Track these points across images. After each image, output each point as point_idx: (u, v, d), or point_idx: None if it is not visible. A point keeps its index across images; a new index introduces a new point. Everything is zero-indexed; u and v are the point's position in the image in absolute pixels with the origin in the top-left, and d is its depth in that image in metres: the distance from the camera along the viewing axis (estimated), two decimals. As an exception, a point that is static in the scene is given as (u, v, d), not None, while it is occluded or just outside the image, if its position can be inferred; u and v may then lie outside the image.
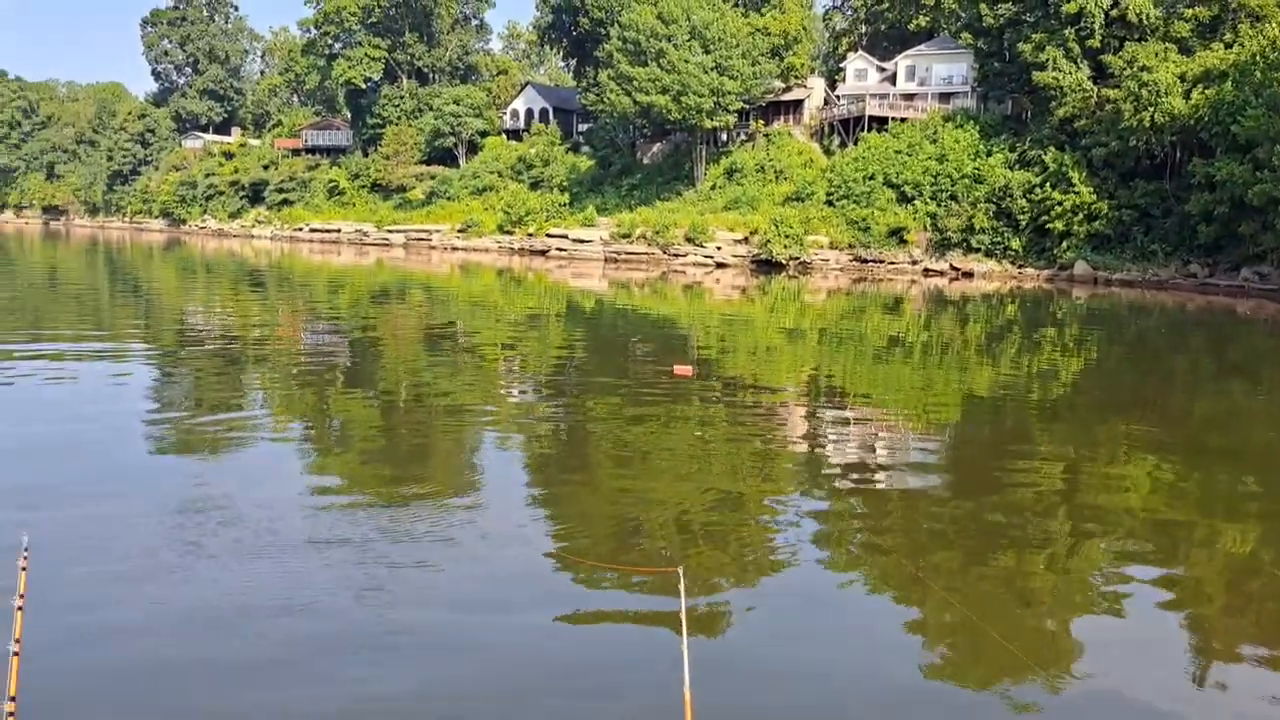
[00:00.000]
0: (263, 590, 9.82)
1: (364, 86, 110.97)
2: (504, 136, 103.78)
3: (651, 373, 24.87)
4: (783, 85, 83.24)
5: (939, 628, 9.63)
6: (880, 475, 15.33)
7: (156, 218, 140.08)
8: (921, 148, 72.12)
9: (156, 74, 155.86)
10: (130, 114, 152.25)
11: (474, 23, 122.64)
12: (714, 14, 76.77)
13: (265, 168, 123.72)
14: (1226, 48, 61.62)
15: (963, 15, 75.22)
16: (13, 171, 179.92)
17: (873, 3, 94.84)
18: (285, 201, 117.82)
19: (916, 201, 70.47)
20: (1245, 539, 12.56)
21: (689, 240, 74.25)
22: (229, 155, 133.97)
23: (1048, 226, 64.76)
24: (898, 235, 69.76)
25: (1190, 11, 64.73)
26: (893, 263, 69.06)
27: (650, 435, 17.18)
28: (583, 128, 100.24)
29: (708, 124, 77.68)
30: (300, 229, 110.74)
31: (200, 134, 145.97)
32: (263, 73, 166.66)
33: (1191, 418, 21.90)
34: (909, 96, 79.29)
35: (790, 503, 13.81)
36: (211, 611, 9.36)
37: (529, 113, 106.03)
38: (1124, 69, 63.20)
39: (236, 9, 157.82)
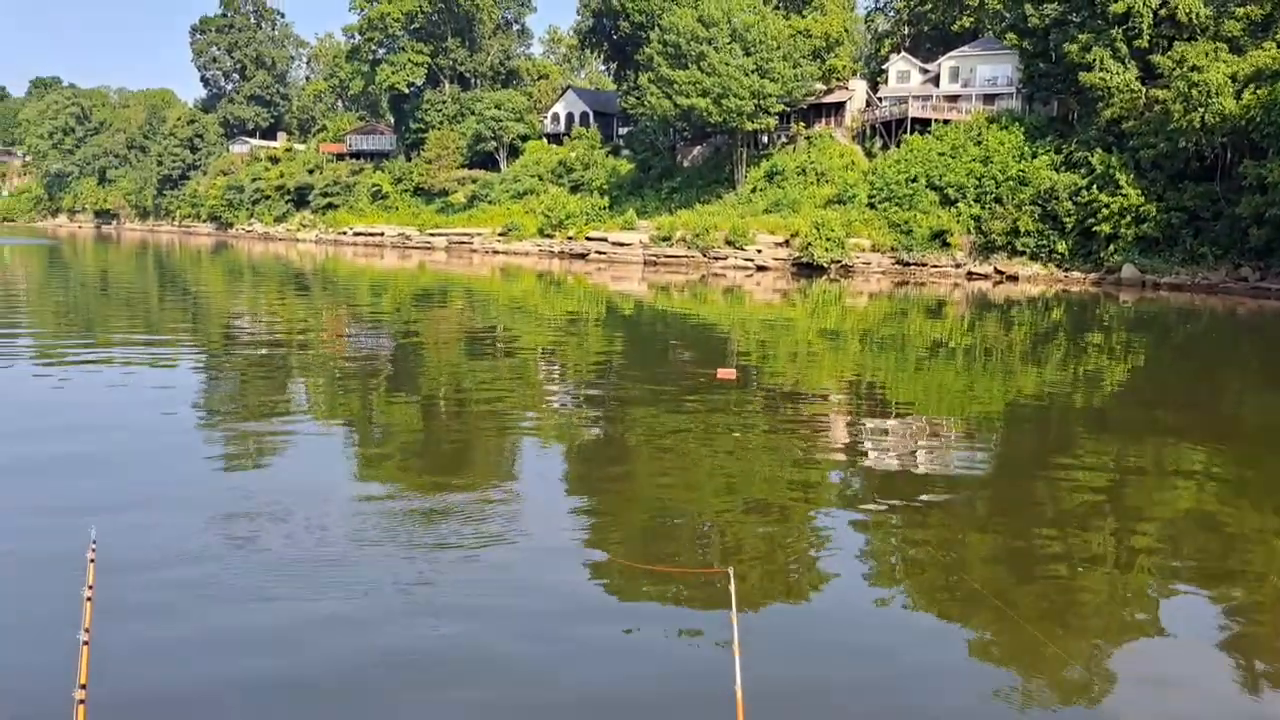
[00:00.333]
0: (311, 589, 10.01)
1: (407, 91, 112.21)
2: (544, 140, 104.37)
3: (692, 377, 24.89)
4: (824, 87, 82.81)
5: (991, 635, 9.56)
6: (925, 483, 15.23)
7: (205, 221, 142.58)
8: (965, 150, 71.40)
9: (205, 80, 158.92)
10: (179, 120, 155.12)
11: (515, 27, 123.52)
12: (755, 16, 76.62)
13: (310, 172, 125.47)
14: (1279, 46, 60.30)
15: (1007, 16, 74.35)
16: (66, 176, 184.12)
17: (915, 4, 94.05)
18: (330, 205, 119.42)
19: (960, 204, 69.76)
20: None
21: (729, 243, 74.12)
22: (275, 160, 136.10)
23: (1094, 229, 63.77)
24: (941, 238, 69.10)
25: (1242, 10, 63.45)
26: (935, 266, 68.41)
27: (692, 440, 17.20)
28: (623, 131, 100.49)
29: (748, 126, 77.50)
30: (344, 232, 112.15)
31: (247, 139, 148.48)
32: (308, 78, 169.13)
33: (1244, 426, 21.48)
34: (952, 98, 78.52)
35: (835, 509, 13.77)
36: (262, 606, 9.56)
37: (569, 116, 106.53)
38: (1173, 69, 62.09)
39: (283, 16, 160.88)
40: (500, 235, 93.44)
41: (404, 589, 10.10)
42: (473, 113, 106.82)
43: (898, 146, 76.32)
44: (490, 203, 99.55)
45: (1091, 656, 9.13)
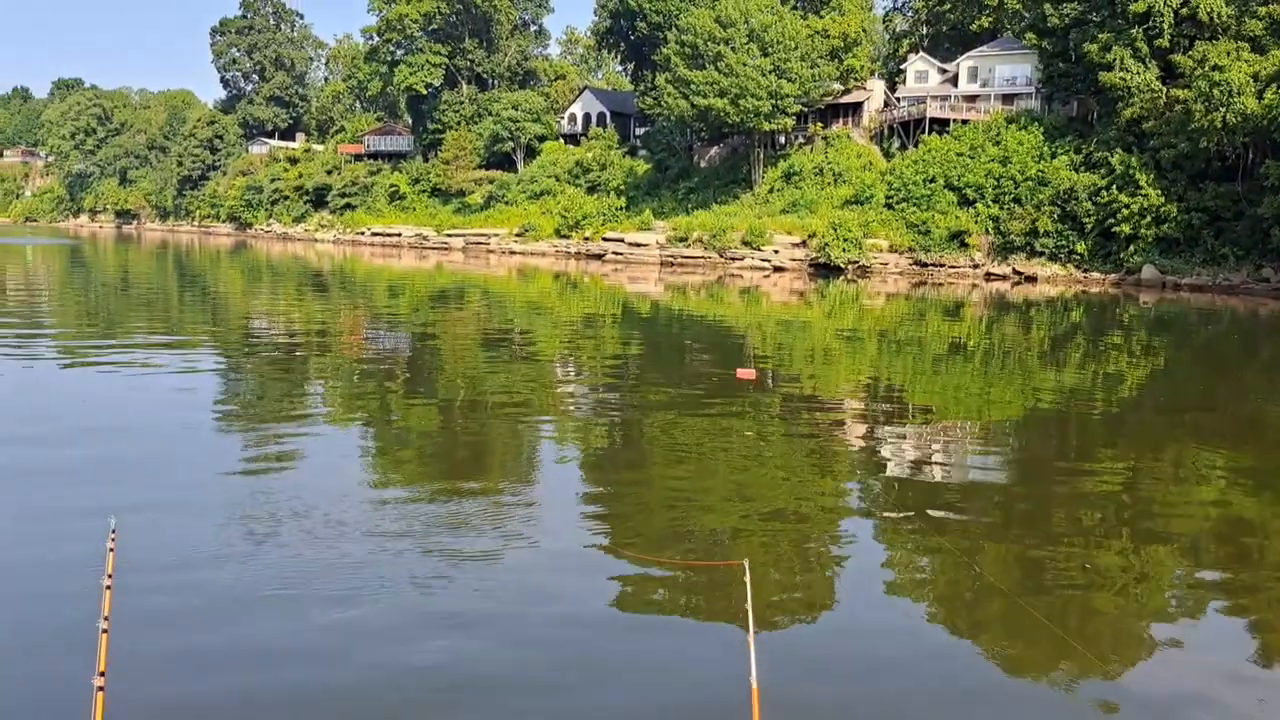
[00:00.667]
0: (330, 579, 10.10)
1: (425, 92, 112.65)
2: (562, 141, 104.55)
3: (710, 377, 24.89)
4: (842, 88, 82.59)
5: (1006, 629, 9.54)
6: (941, 482, 15.19)
7: (224, 222, 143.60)
8: (984, 150, 71.07)
9: (225, 81, 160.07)
10: (199, 121, 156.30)
11: (533, 28, 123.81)
12: (772, 17, 76.51)
13: (328, 173, 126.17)
14: (1303, 46, 59.76)
15: (1027, 15, 73.97)
16: (88, 177, 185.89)
17: (934, 4, 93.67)
18: (348, 206, 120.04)
19: (978, 204, 69.45)
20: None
21: (746, 244, 74.04)
22: (293, 160, 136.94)
23: (1114, 230, 63.35)
24: (959, 239, 68.81)
25: (1264, 10, 62.88)
26: (953, 267, 68.12)
27: (710, 441, 17.22)
28: (640, 131, 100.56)
29: (765, 127, 77.41)
30: (362, 233, 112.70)
31: (266, 140, 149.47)
32: (326, 79, 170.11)
33: (1266, 430, 21.30)
34: (971, 98, 78.18)
35: (853, 511, 13.76)
36: (282, 597, 9.65)
37: (586, 117, 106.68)
38: (1194, 69, 61.61)
39: (302, 17, 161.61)
40: (517, 236, 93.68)
41: (421, 585, 10.17)
42: (490, 113, 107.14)
43: (915, 147, 76.04)
44: (507, 203, 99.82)
45: (1110, 655, 9.09)
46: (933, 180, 71.29)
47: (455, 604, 9.73)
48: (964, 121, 74.81)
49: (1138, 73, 64.16)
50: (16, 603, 9.64)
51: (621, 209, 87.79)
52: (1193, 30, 64.14)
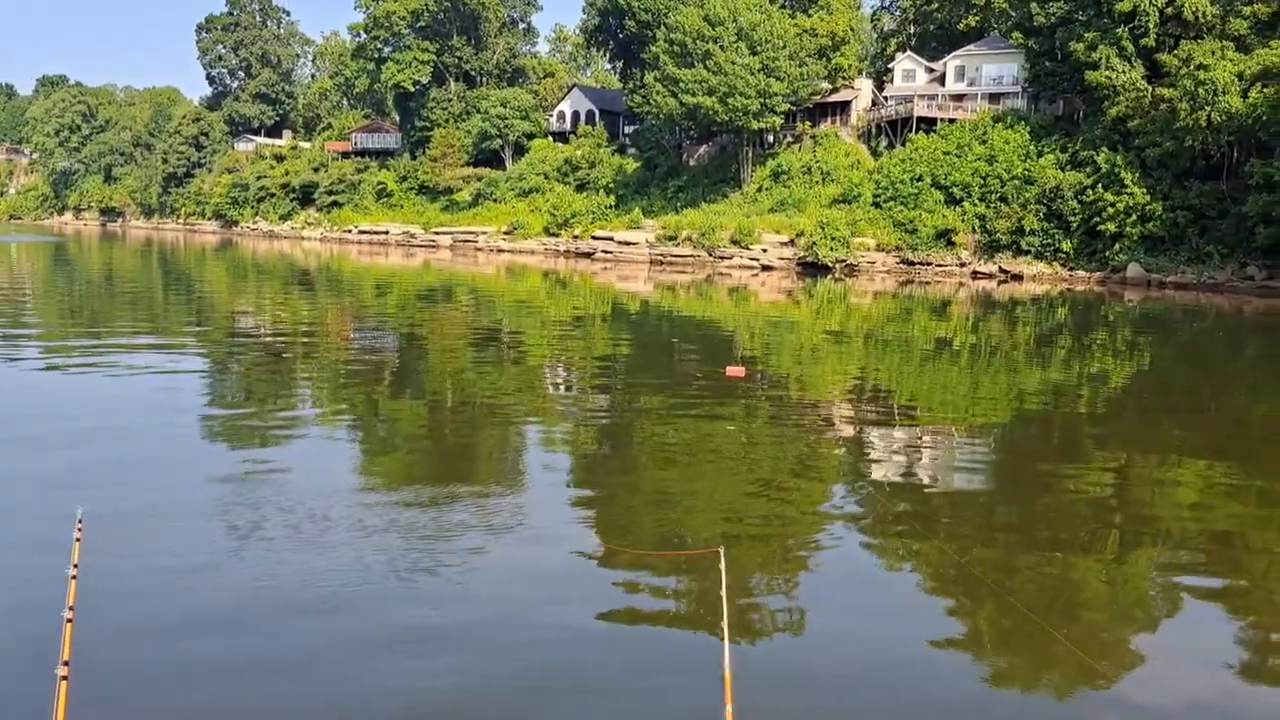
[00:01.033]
0: (312, 578, 10.08)
1: (412, 90, 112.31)
2: (550, 139, 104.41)
3: (699, 375, 24.90)
4: (830, 86, 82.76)
5: (991, 626, 9.56)
6: (927, 480, 15.23)
7: (209, 219, 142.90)
8: (970, 149, 71.32)
9: (211, 78, 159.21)
10: (185, 118, 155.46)
11: (521, 26, 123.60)
12: (761, 15, 76.58)
13: (315, 170, 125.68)
14: (1287, 45, 60.12)
15: (1013, 14, 74.25)
16: (73, 174, 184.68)
17: (921, 3, 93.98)
18: (335, 204, 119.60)
19: (965, 203, 69.69)
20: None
21: (735, 243, 74.11)
22: (280, 158, 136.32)
23: (1099, 228, 63.68)
24: (945, 237, 69.03)
25: (1249, 9, 63.29)
26: (940, 265, 68.34)
27: (698, 439, 17.22)
28: (629, 130, 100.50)
29: (754, 125, 77.49)
30: (349, 231, 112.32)
31: (252, 137, 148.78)
32: (313, 77, 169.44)
33: (1249, 425, 21.43)
34: (958, 97, 78.44)
35: (836, 505, 13.78)
36: (260, 601, 9.60)
37: (575, 115, 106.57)
38: (1180, 67, 61.97)
39: (288, 14, 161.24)
40: (505, 234, 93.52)
41: (403, 579, 10.16)
42: (478, 111, 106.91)
43: (903, 145, 76.25)
44: (496, 201, 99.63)
45: (1091, 643, 9.13)
46: (920, 179, 71.50)
47: (434, 608, 9.71)
48: (951, 120, 75.05)
49: (1123, 72, 64.49)
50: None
51: (610, 207, 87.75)
52: (1178, 29, 64.50)
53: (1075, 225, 64.78)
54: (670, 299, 50.69)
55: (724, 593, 5.74)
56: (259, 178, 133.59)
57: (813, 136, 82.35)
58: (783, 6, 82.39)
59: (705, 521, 12.53)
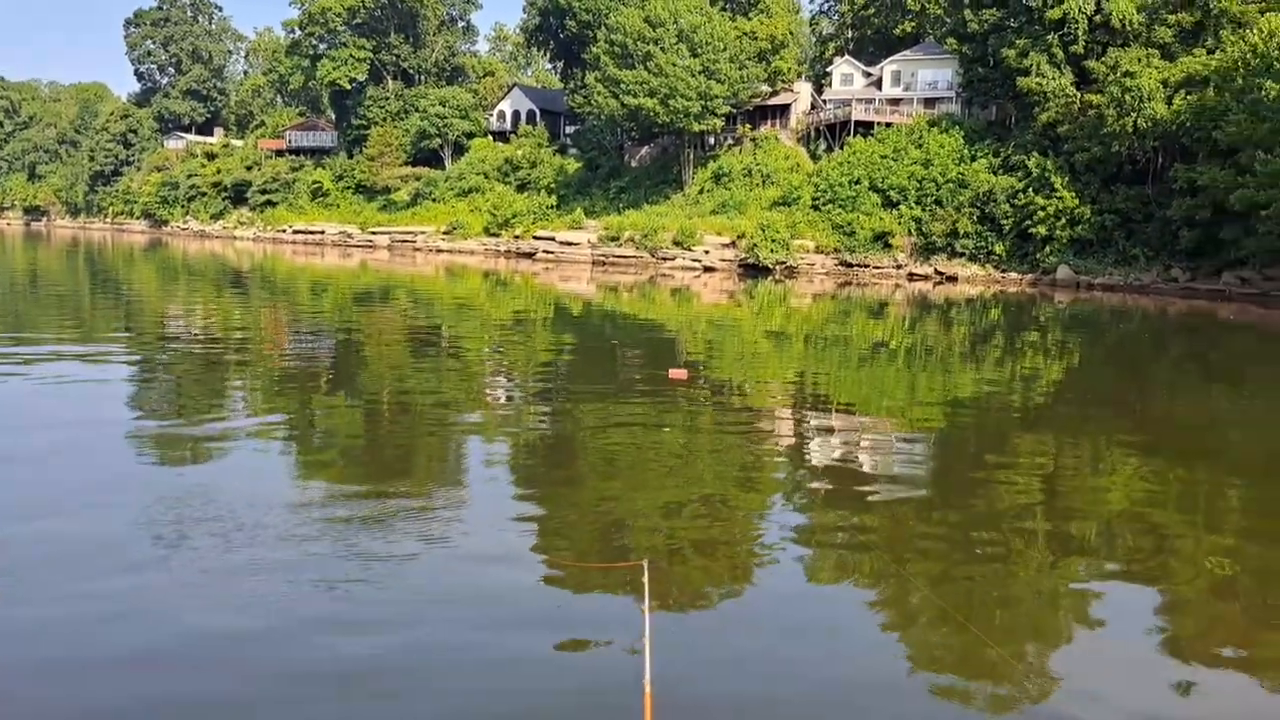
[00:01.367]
0: (233, 585, 9.78)
1: (349, 87, 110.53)
2: (490, 138, 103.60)
3: (641, 378, 24.84)
4: (769, 89, 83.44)
5: (919, 628, 9.62)
6: (863, 480, 15.35)
7: (138, 218, 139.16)
8: (907, 153, 72.43)
9: (139, 74, 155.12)
10: (112, 114, 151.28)
11: (460, 24, 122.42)
12: (701, 18, 76.89)
13: (248, 169, 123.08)
14: (1209, 53, 62.12)
15: (948, 21, 75.62)
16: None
17: (859, 8, 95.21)
18: (268, 203, 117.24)
19: (901, 206, 70.76)
20: (1226, 542, 12.61)
21: (677, 244, 74.29)
22: (211, 156, 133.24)
23: (1031, 231, 65.13)
24: (883, 240, 70.02)
25: (1173, 17, 65.28)
26: (877, 267, 69.29)
27: (638, 441, 17.14)
28: (570, 130, 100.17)
29: (695, 127, 77.77)
30: (283, 230, 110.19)
31: (183, 134, 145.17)
32: (246, 73, 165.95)
33: (1174, 422, 22.03)
34: (895, 101, 79.62)
35: (773, 507, 13.81)
36: (181, 606, 9.29)
37: (516, 114, 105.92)
38: (1107, 74, 63.66)
39: (220, 9, 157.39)
40: (445, 234, 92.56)
41: (328, 590, 9.92)
42: (417, 109, 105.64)
43: (841, 149, 77.17)
44: (435, 201, 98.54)
45: (1027, 653, 9.25)
46: (858, 182, 72.43)
47: (358, 609, 9.53)
48: (888, 124, 76.14)
49: (1053, 78, 66.05)
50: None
51: (552, 207, 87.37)
52: (1105, 37, 66.27)
53: (1007, 228, 66.17)
54: (613, 300, 50.59)
55: (646, 606, 5.65)
56: (190, 176, 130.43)
57: (753, 139, 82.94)
58: (723, 9, 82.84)
59: (641, 531, 12.45)
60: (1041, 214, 64.08)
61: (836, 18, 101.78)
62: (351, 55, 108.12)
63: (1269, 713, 8.44)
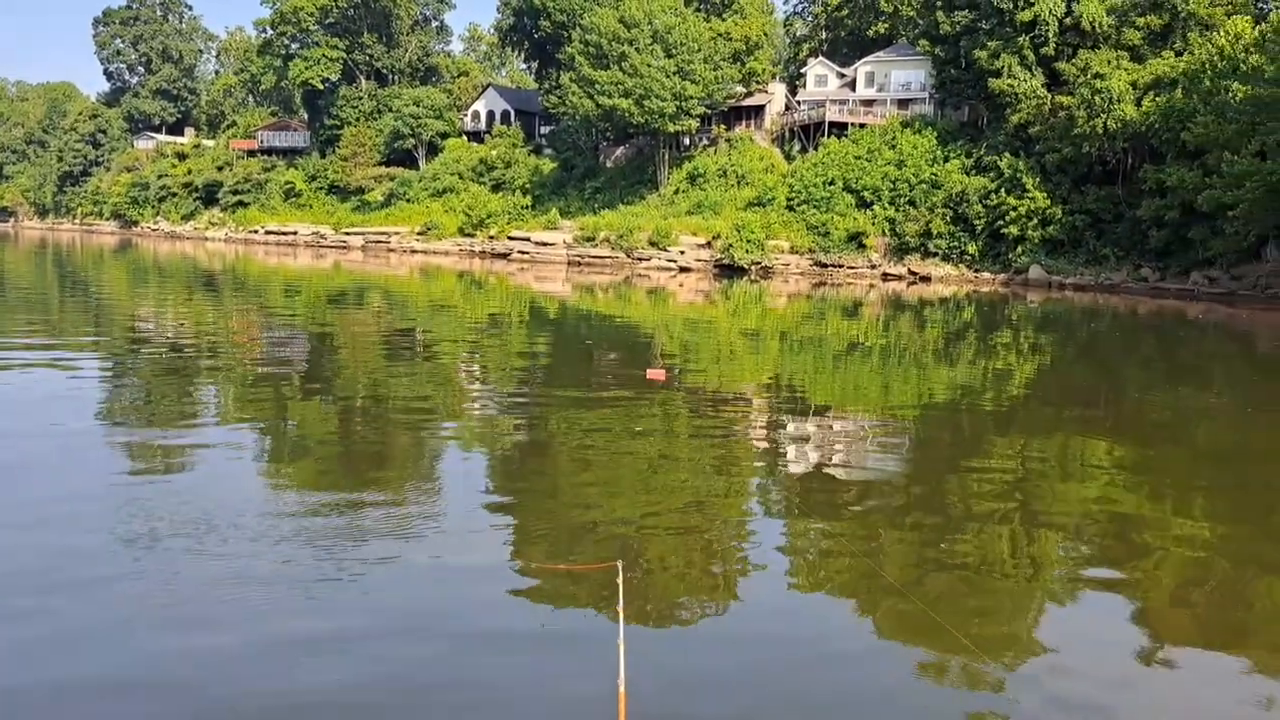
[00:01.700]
0: (204, 597, 9.64)
1: (321, 87, 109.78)
2: (465, 138, 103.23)
3: (617, 378, 24.81)
4: (744, 90, 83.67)
5: (900, 632, 9.66)
6: (838, 478, 15.40)
7: (108, 219, 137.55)
8: (880, 153, 72.89)
9: (109, 74, 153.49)
10: (81, 114, 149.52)
11: (434, 24, 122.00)
12: (676, 18, 77.01)
13: (220, 169, 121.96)
14: (1177, 55, 63.00)
15: (920, 22, 76.18)
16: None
17: (833, 9, 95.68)
18: (240, 203, 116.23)
19: (875, 207, 71.20)
20: (1195, 535, 12.76)
21: (653, 244, 74.36)
22: (182, 156, 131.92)
23: (1003, 231, 65.73)
24: (857, 240, 70.42)
25: (1142, 20, 66.10)
26: (852, 267, 69.64)
27: (614, 443, 17.11)
28: (545, 130, 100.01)
29: (670, 128, 77.87)
30: (255, 231, 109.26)
31: (153, 135, 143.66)
32: (217, 73, 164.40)
33: (1144, 419, 22.27)
34: (868, 102, 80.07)
35: (749, 509, 13.83)
36: (149, 618, 9.15)
37: (490, 115, 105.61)
38: (1077, 76, 64.37)
39: (191, 8, 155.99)
40: (419, 234, 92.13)
41: (304, 600, 9.79)
42: (390, 109, 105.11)
43: (815, 150, 77.52)
44: (409, 201, 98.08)
45: (1002, 648, 9.30)
46: (832, 183, 72.81)
47: (332, 620, 9.40)
48: (862, 125, 76.60)
49: (1024, 80, 66.70)
50: None
51: (527, 208, 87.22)
52: (1076, 39, 67.00)
53: (980, 228, 66.75)
54: (589, 300, 50.52)
55: (620, 607, 5.63)
56: (160, 176, 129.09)
57: (728, 140, 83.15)
58: (697, 10, 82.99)
59: (618, 531, 12.42)
60: (1013, 214, 64.69)
61: (810, 19, 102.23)
62: (324, 55, 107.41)
63: (1241, 697, 8.52)
